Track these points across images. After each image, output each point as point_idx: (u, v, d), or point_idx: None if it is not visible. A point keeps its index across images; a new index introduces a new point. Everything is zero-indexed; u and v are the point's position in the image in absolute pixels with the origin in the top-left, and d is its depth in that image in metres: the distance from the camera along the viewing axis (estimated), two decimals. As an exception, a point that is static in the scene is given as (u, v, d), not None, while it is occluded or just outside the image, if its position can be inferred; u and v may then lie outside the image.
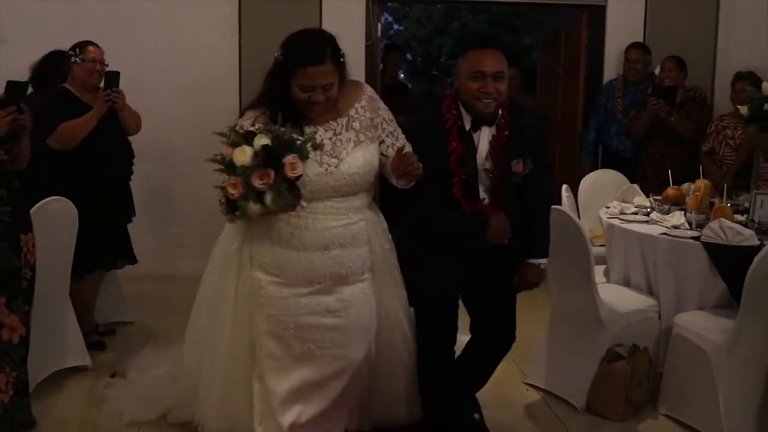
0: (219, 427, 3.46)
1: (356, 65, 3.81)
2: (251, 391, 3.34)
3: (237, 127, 3.07)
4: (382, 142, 3.32)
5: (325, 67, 3.10)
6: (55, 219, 4.13)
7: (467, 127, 3.32)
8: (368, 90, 3.38)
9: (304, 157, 2.97)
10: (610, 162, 6.26)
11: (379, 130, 3.31)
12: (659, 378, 4.08)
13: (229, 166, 2.94)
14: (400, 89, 8.42)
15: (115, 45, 5.14)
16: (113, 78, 4.67)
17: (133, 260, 5.09)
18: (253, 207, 2.94)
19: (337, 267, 3.25)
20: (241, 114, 3.30)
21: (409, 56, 18.27)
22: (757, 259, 3.49)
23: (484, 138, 3.35)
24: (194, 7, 6.50)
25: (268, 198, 2.92)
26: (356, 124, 3.26)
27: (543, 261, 3.50)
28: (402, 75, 8.52)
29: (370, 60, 6.61)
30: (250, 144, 2.93)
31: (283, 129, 3.00)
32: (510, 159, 3.33)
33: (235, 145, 2.96)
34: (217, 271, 3.45)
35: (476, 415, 3.67)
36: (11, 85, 3.58)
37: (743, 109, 4.56)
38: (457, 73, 3.34)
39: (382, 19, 16.59)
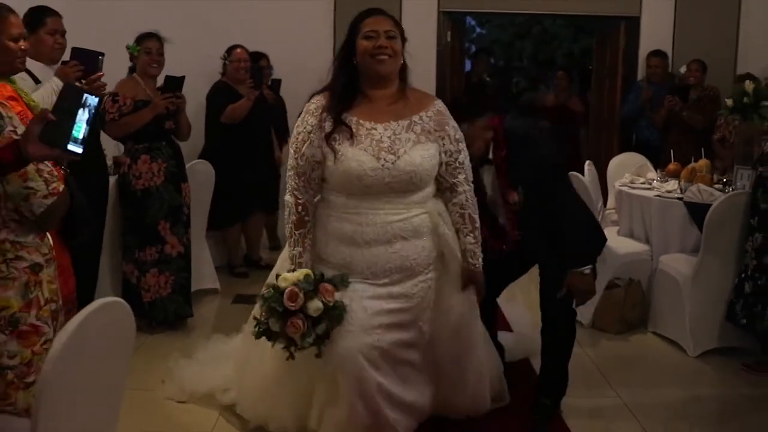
0: (255, 415, 3.69)
1: (427, 69, 4.90)
2: (291, 388, 3.47)
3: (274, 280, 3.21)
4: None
5: (386, 18, 3.27)
6: (199, 176, 5.61)
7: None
8: (439, 104, 3.37)
9: (340, 285, 3.16)
10: (640, 148, 7.42)
11: (440, 144, 3.31)
12: (650, 305, 5.32)
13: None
14: (483, 85, 9.74)
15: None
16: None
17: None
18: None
19: (401, 260, 3.26)
20: (309, 99, 3.35)
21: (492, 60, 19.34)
22: (712, 207, 4.73)
23: (487, 175, 3.75)
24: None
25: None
26: (417, 128, 3.26)
27: (586, 268, 3.65)
28: (488, 77, 10.00)
29: (440, 63, 7.92)
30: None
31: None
32: (514, 187, 3.65)
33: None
34: (284, 268, 3.40)
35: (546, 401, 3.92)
36: (169, 79, 5.05)
37: (729, 102, 5.74)
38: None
39: (466, 23, 17.84)
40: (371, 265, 3.25)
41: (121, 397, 2.27)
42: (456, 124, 3.35)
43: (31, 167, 2.47)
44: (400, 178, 3.19)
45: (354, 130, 3.21)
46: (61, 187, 2.60)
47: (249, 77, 6.02)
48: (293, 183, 3.30)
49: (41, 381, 1.93)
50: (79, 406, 2.09)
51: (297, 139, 3.29)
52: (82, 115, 2.19)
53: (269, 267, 6.43)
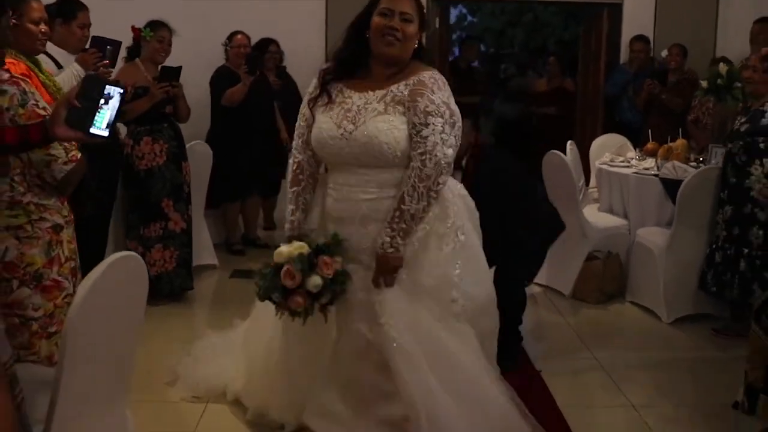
0: (256, 403, 3.63)
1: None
2: (292, 375, 3.43)
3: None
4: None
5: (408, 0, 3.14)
6: (198, 157, 5.87)
7: None
8: (425, 75, 3.11)
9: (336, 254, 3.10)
10: (622, 129, 7.68)
11: (411, 114, 3.06)
12: (627, 276, 5.60)
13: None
14: (469, 71, 9.95)
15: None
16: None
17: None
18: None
19: (372, 243, 3.14)
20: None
21: (482, 47, 19.53)
22: (684, 182, 5.01)
23: None
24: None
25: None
26: (389, 98, 3.09)
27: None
28: (476, 63, 10.32)
29: (428, 50, 8.14)
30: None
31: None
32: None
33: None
34: None
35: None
36: (165, 69, 5.32)
37: (704, 84, 6.01)
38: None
39: (457, 11, 18.01)
40: (348, 244, 3.16)
41: (137, 343, 2.54)
42: (438, 98, 3.03)
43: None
44: (357, 149, 3.09)
45: (333, 97, 3.19)
46: (79, 155, 2.87)
47: (245, 63, 6.28)
48: (294, 142, 3.36)
49: (67, 327, 2.18)
50: (99, 351, 2.35)
51: (304, 100, 3.34)
52: (106, 103, 2.43)
53: (266, 246, 6.77)
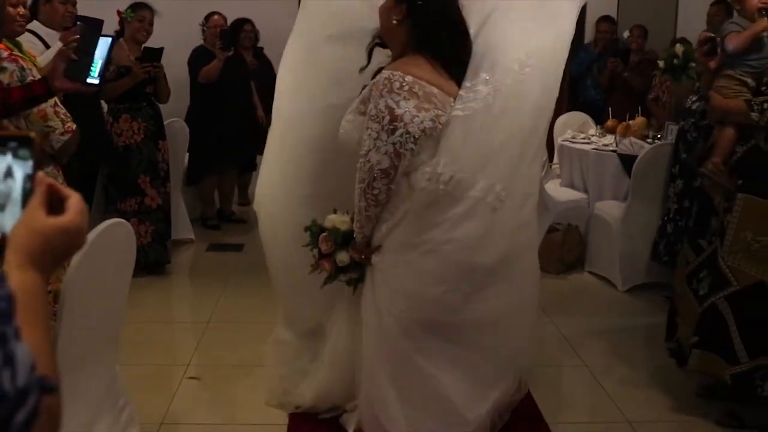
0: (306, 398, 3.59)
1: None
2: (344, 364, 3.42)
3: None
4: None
5: None
6: (175, 133, 6.07)
7: None
8: (383, 75, 2.88)
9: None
10: (585, 107, 7.95)
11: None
12: (586, 247, 5.89)
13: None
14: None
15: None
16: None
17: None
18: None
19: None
20: None
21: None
22: (639, 157, 5.29)
23: None
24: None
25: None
26: (363, 95, 3.00)
27: None
28: None
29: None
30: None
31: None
32: None
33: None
34: None
35: None
36: (147, 49, 5.51)
37: (661, 63, 6.28)
38: None
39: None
40: None
41: (126, 300, 2.77)
42: (382, 104, 2.83)
43: (50, 109, 2.96)
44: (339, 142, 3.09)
45: None
46: (74, 126, 3.08)
47: (219, 40, 6.48)
48: None
49: (64, 289, 2.40)
50: (93, 310, 2.58)
51: None
52: (98, 54, 2.65)
53: (241, 221, 6.99)
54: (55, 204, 1.07)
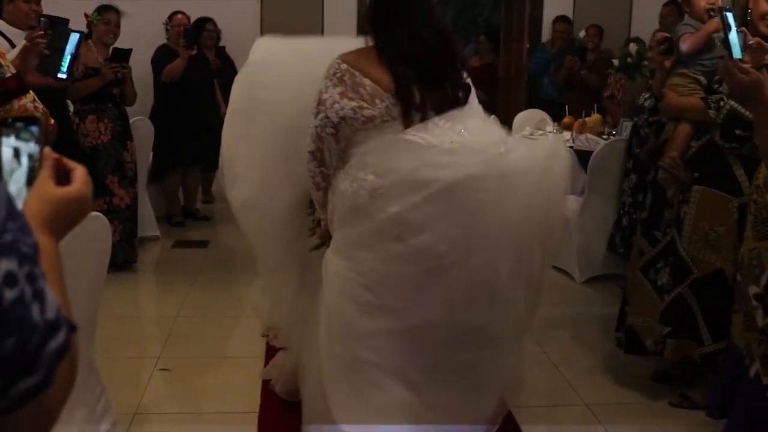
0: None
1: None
2: None
3: None
4: None
5: None
6: (140, 132, 6.14)
7: None
8: (332, 59, 2.87)
9: None
10: (544, 105, 8.14)
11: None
12: (545, 241, 6.06)
13: None
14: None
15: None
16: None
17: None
18: None
19: None
20: None
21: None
22: (594, 153, 5.47)
23: None
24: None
25: None
26: None
27: None
28: None
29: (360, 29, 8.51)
30: None
31: None
32: None
33: None
34: None
35: None
36: (116, 50, 5.58)
37: (616, 62, 6.47)
38: None
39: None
40: None
41: (101, 291, 2.86)
42: (323, 95, 2.84)
43: (30, 105, 3.03)
44: None
45: None
46: (52, 121, 3.15)
47: (183, 39, 6.56)
48: None
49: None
50: (71, 296, 2.66)
51: None
52: (67, 50, 2.73)
53: (205, 218, 7.07)
54: (62, 176, 1.18)
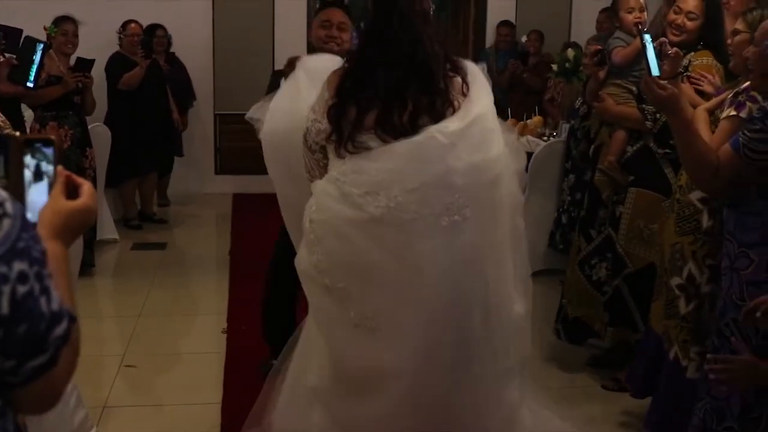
0: None
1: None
2: None
3: None
4: None
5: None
6: (97, 138, 6.31)
7: None
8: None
9: None
10: (488, 108, 8.46)
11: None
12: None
13: None
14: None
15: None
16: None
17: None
18: None
19: None
20: None
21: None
22: (534, 154, 5.78)
23: None
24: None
25: None
26: None
27: None
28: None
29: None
30: None
31: None
32: None
33: None
34: None
35: None
36: (79, 60, 5.77)
37: (555, 66, 6.80)
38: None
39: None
40: None
41: (75, 287, 3.06)
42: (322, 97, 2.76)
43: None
44: None
45: None
46: (17, 133, 3.33)
47: (140, 48, 6.73)
48: None
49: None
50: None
51: None
52: (35, 60, 2.94)
53: (162, 221, 7.25)
54: (71, 191, 1.40)
